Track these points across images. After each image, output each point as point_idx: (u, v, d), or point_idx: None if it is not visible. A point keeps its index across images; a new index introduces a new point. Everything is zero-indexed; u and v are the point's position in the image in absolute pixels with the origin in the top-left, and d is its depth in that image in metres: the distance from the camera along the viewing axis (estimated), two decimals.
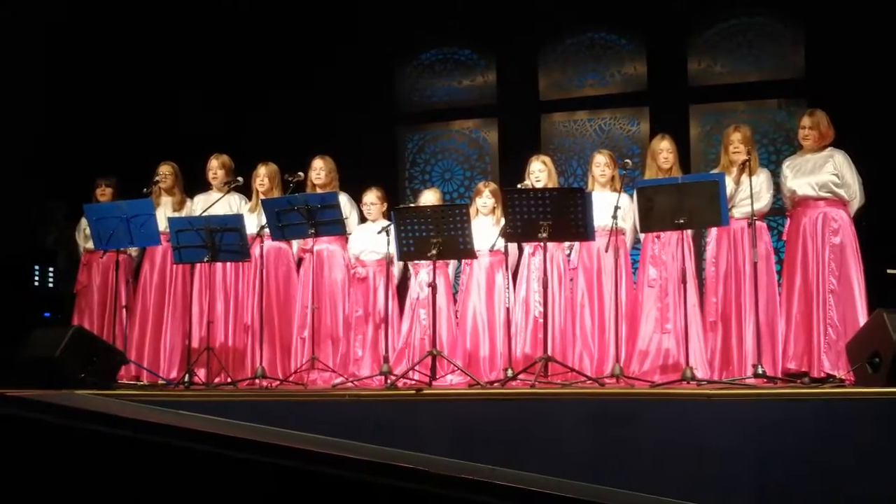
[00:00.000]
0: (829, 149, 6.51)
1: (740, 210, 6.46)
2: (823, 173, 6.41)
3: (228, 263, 7.39)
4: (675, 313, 6.52)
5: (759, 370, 5.88)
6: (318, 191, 7.30)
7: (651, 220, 6.22)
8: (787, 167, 6.63)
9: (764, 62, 8.96)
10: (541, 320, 6.55)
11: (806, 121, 6.56)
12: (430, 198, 7.38)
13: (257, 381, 6.87)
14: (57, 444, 2.55)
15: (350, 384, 6.60)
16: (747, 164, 6.41)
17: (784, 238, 6.68)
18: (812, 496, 4.54)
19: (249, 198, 7.60)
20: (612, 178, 6.96)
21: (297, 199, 6.83)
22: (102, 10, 8.96)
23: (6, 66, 8.12)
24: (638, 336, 6.66)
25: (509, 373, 6.28)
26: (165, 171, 7.78)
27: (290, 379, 6.90)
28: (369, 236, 7.20)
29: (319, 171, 7.41)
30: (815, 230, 6.38)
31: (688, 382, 5.83)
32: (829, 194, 6.40)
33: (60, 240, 8.87)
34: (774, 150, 8.74)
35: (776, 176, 6.86)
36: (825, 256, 6.33)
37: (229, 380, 6.96)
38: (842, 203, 6.42)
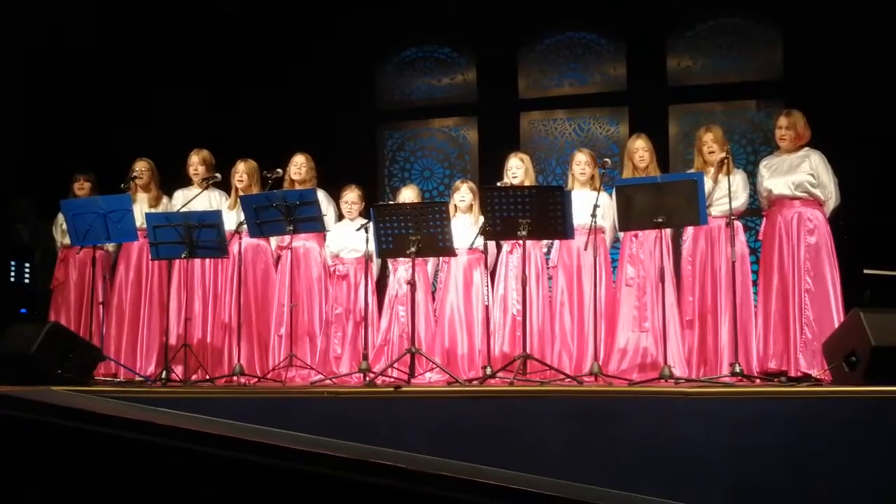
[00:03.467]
0: (806, 149, 6.55)
1: (717, 209, 6.49)
2: (799, 173, 6.45)
3: (207, 260, 7.35)
4: (652, 312, 6.54)
5: (737, 368, 5.91)
6: (297, 186, 7.27)
7: (630, 218, 6.24)
8: (764, 166, 6.67)
9: (743, 63, 9.01)
10: (519, 318, 6.56)
11: (783, 121, 6.59)
12: (408, 195, 7.37)
13: (235, 378, 6.83)
14: (33, 439, 2.53)
15: (328, 381, 6.59)
16: (725, 161, 6.44)
17: (760, 238, 6.71)
18: (788, 494, 4.56)
19: (230, 194, 7.56)
20: (592, 176, 6.97)
21: (275, 195, 6.80)
22: (83, 7, 8.89)
23: None
24: (616, 334, 6.68)
25: (488, 371, 6.29)
26: (142, 167, 7.72)
27: (269, 376, 6.88)
28: (348, 234, 7.18)
29: (301, 166, 7.38)
30: (790, 230, 6.42)
31: (666, 381, 5.85)
32: (804, 194, 6.43)
33: (34, 237, 8.80)
34: (752, 151, 8.79)
35: (753, 176, 6.89)
36: (800, 256, 6.36)
37: (207, 377, 6.93)
38: (817, 203, 6.46)
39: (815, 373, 6.07)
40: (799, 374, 6.20)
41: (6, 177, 8.66)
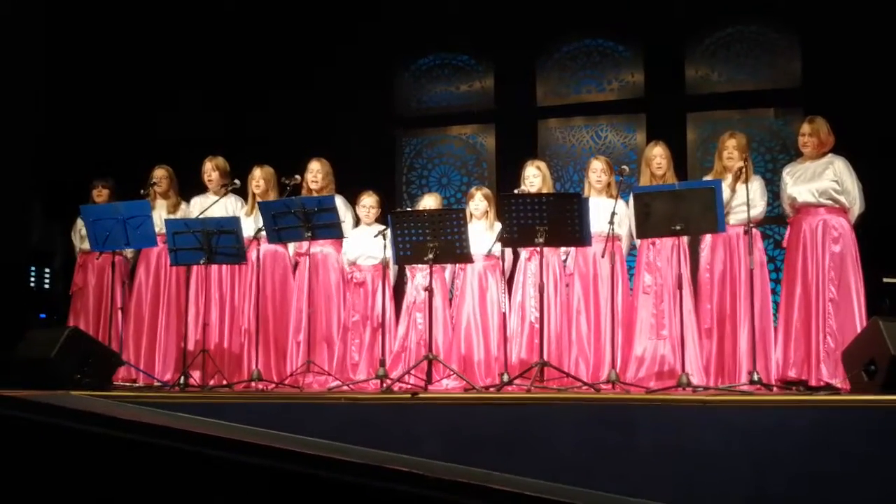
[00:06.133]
0: (829, 155, 6.51)
1: (736, 217, 6.47)
2: (823, 180, 6.41)
3: (225, 266, 7.39)
4: (670, 320, 6.53)
5: (755, 377, 5.89)
6: (315, 194, 7.30)
7: (648, 226, 6.23)
8: (787, 174, 6.64)
9: (761, 71, 8.98)
10: (537, 325, 6.56)
11: (806, 127, 6.56)
12: (429, 202, 7.39)
13: (253, 383, 6.87)
14: (52, 444, 2.55)
15: (346, 388, 6.60)
16: (743, 170, 6.42)
17: (784, 245, 6.68)
18: (806, 503, 4.54)
19: (247, 200, 7.60)
20: (609, 184, 6.98)
21: (294, 201, 6.83)
22: (102, 9, 8.95)
23: (4, 67, 8.10)
24: (634, 342, 6.67)
25: (505, 378, 6.29)
26: (160, 174, 7.78)
27: (286, 382, 6.90)
28: (366, 241, 7.20)
29: (316, 173, 7.41)
30: (814, 238, 6.38)
31: (683, 389, 5.84)
32: (829, 201, 6.40)
33: (44, 239, 8.86)
34: (771, 159, 8.75)
35: (772, 184, 6.86)
36: (825, 264, 6.32)
37: (225, 382, 6.96)
38: (842, 210, 6.42)
39: (836, 382, 6.04)
40: (820, 383, 6.16)
41: (23, 181, 8.70)
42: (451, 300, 7.32)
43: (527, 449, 4.98)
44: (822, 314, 6.29)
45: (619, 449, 4.89)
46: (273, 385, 6.91)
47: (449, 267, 7.21)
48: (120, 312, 7.50)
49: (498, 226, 6.84)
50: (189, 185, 7.88)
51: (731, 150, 6.63)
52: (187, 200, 7.81)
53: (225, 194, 7.53)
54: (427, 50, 9.94)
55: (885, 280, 6.81)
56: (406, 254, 6.46)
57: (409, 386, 6.36)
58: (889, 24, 7.76)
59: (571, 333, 6.82)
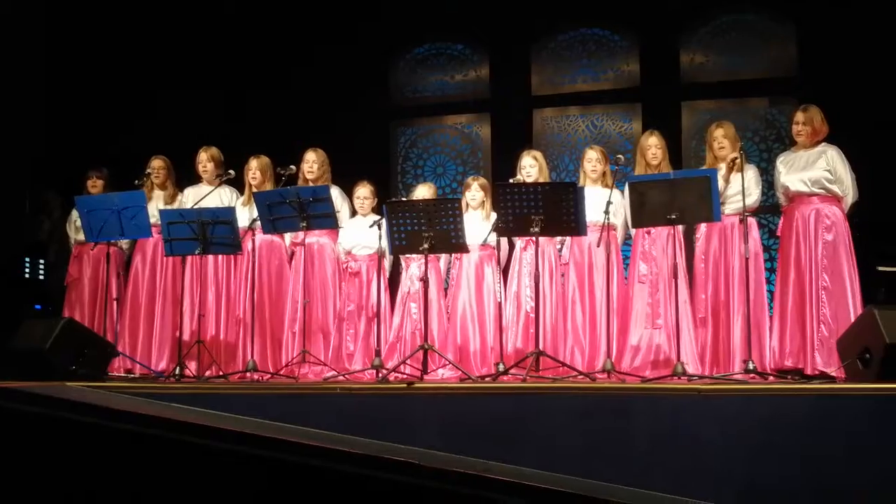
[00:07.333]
0: (823, 144, 6.52)
1: (731, 206, 6.47)
2: (816, 169, 6.42)
3: (220, 256, 7.38)
4: (665, 309, 6.53)
5: (750, 366, 5.90)
6: (311, 184, 7.29)
7: (643, 215, 6.23)
8: (781, 163, 6.64)
9: (756, 60, 8.98)
10: (532, 315, 6.56)
11: (799, 116, 6.56)
12: (423, 192, 7.38)
13: (248, 374, 6.86)
14: (48, 435, 2.55)
15: (341, 378, 6.60)
16: (737, 161, 6.42)
17: (779, 234, 6.69)
18: (802, 491, 4.55)
19: (242, 191, 7.58)
20: (604, 173, 6.97)
21: (289, 192, 6.82)
22: (102, 7, 8.93)
23: (4, 65, 8.08)
24: (629, 331, 6.67)
25: (501, 367, 6.29)
26: (158, 165, 7.76)
27: (282, 372, 6.90)
28: (361, 231, 7.19)
29: (312, 163, 7.40)
30: (807, 227, 6.39)
31: (679, 378, 5.85)
32: (821, 190, 6.41)
33: (53, 232, 8.84)
34: (766, 148, 8.76)
35: (766, 173, 6.86)
36: (818, 253, 6.34)
37: (220, 373, 6.95)
38: (835, 199, 6.43)
39: (831, 370, 6.05)
40: (815, 371, 6.18)
41: (24, 172, 8.68)
42: (445, 290, 7.32)
43: (522, 438, 4.98)
44: (815, 302, 6.30)
45: (615, 438, 4.90)
46: (269, 375, 6.91)
47: (443, 257, 7.21)
48: (115, 303, 7.48)
49: (494, 216, 6.84)
50: (185, 177, 7.86)
51: (721, 140, 6.64)
52: (182, 191, 7.78)
53: (219, 185, 7.52)
54: (422, 39, 9.92)
55: (880, 269, 6.82)
56: (402, 244, 6.46)
57: (405, 376, 6.36)
58: (884, 14, 7.76)
59: (567, 323, 6.82)
